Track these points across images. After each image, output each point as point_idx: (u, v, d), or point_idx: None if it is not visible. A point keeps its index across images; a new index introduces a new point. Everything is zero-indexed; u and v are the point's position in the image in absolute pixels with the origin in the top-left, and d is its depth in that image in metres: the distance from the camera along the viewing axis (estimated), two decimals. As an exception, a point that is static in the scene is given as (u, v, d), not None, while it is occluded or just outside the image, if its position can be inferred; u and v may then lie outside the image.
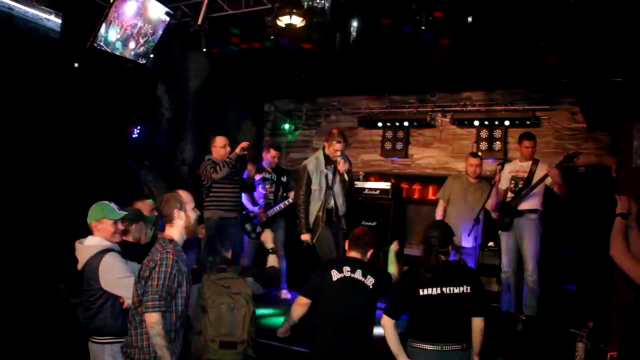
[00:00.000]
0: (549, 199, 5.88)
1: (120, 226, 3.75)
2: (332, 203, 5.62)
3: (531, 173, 5.85)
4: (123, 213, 3.75)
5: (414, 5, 5.49)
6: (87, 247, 3.61)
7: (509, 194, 6.02)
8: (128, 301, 3.38)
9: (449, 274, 3.52)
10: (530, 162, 5.95)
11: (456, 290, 3.44)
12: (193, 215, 3.45)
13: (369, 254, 3.98)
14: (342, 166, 5.53)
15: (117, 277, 3.47)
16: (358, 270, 3.78)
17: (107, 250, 3.55)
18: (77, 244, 3.66)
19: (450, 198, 6.38)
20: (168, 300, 3.12)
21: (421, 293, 3.44)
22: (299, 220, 5.61)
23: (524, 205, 5.82)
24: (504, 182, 6.12)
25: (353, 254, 3.95)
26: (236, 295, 3.50)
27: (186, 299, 3.31)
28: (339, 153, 5.53)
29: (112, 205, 3.74)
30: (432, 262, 3.52)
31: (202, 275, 3.64)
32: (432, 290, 3.44)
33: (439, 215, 6.39)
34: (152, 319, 3.04)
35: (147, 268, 3.12)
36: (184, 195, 3.44)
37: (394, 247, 4.48)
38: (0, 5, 5.62)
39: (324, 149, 5.68)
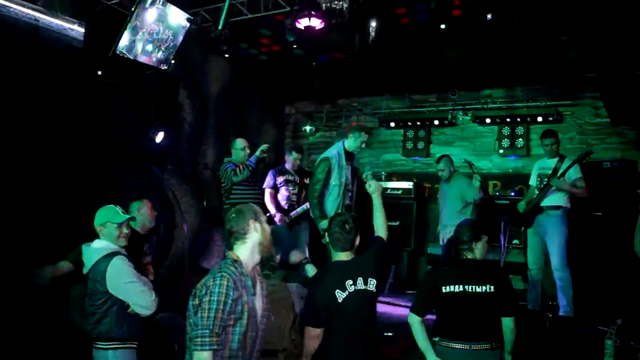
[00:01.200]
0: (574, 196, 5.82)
1: (125, 229, 3.65)
2: (348, 201, 5.61)
3: (555, 170, 5.80)
4: (127, 216, 3.67)
5: (432, 4, 5.49)
6: (93, 249, 3.56)
7: (536, 192, 6.00)
8: (134, 307, 3.38)
9: (473, 272, 3.50)
10: (556, 159, 5.89)
11: (479, 289, 3.40)
12: (268, 229, 2.94)
13: (357, 241, 3.51)
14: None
15: (124, 282, 3.40)
16: (359, 278, 3.38)
17: (114, 254, 3.49)
18: (83, 247, 3.62)
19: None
20: (222, 335, 2.59)
21: (444, 290, 3.43)
22: (315, 211, 5.44)
23: (546, 202, 5.79)
24: (533, 180, 6.16)
25: (345, 256, 3.46)
26: (277, 302, 3.32)
27: (252, 336, 2.75)
28: (364, 145, 5.53)
29: (117, 208, 3.66)
30: (455, 259, 3.51)
31: None
32: (454, 288, 3.42)
33: None
34: (201, 357, 2.53)
35: (198, 294, 2.61)
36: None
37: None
38: (27, 17, 5.74)
39: (343, 143, 5.62)
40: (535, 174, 6.16)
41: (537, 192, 5.98)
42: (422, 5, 5.96)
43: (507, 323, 3.49)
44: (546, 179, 5.85)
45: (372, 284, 3.40)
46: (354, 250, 3.47)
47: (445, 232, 6.31)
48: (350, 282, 3.34)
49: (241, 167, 6.02)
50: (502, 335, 3.49)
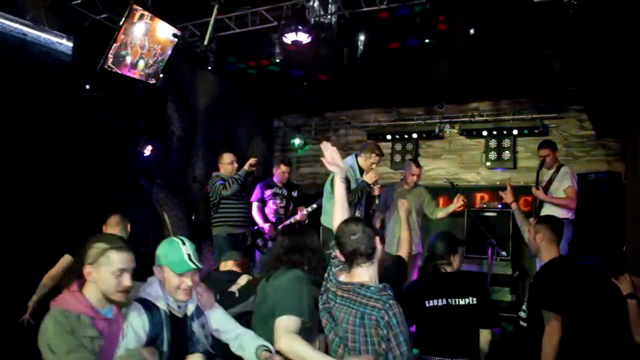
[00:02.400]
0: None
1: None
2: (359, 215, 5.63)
3: (550, 181, 5.85)
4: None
5: (417, 18, 5.56)
6: None
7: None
8: None
9: (454, 285, 3.51)
10: (552, 170, 5.96)
11: (462, 302, 3.42)
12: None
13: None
14: (377, 190, 5.56)
15: None
16: None
17: None
18: None
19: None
20: None
21: (427, 305, 3.43)
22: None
23: (553, 213, 5.74)
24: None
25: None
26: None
27: None
28: (374, 167, 5.59)
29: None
30: (435, 273, 3.52)
31: None
32: (437, 302, 3.42)
33: None
34: None
35: (382, 322, 2.46)
36: None
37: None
38: (15, 31, 5.77)
39: (356, 157, 5.74)
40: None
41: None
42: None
43: (485, 334, 3.50)
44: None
45: None
46: None
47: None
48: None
49: (230, 181, 6.05)
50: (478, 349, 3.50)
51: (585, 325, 3.29)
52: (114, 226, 4.73)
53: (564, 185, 5.79)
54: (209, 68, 6.37)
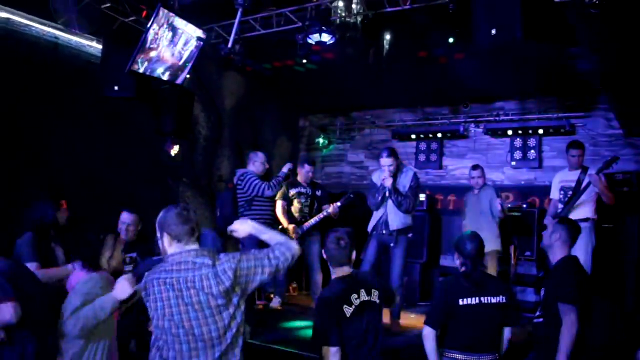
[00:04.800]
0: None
1: None
2: (384, 216, 5.73)
3: (579, 182, 5.78)
4: None
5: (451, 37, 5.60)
6: None
7: (560, 205, 5.98)
8: None
9: (486, 284, 3.56)
10: (579, 171, 5.88)
11: (494, 300, 3.48)
12: None
13: (354, 255, 3.53)
14: (387, 181, 5.63)
15: None
16: (362, 290, 3.41)
17: None
18: None
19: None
20: None
21: (461, 303, 3.47)
22: None
23: (574, 215, 5.62)
24: (554, 193, 6.14)
25: (342, 272, 3.47)
26: None
27: None
28: (385, 169, 5.65)
29: None
30: (467, 272, 3.56)
31: None
32: (471, 300, 3.47)
33: None
34: None
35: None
36: None
37: None
38: (48, 35, 5.97)
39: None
40: (557, 187, 6.12)
41: (561, 205, 5.94)
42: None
43: (507, 333, 3.57)
44: (570, 192, 5.82)
45: (375, 295, 3.45)
46: (351, 265, 3.49)
47: None
48: (355, 295, 3.36)
49: (274, 182, 6.23)
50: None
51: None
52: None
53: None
54: (238, 69, 6.46)
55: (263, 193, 6.20)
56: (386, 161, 5.65)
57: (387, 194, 5.68)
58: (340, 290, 3.37)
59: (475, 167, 6.73)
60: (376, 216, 5.84)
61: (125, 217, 4.73)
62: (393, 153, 5.71)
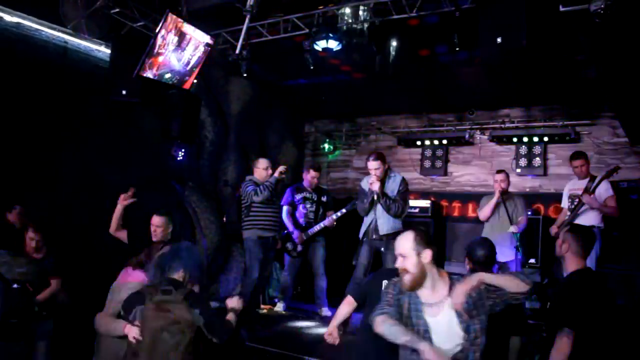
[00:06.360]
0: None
1: None
2: (374, 221, 5.71)
3: (586, 190, 5.82)
4: None
5: (455, 38, 5.61)
6: None
7: (568, 213, 6.04)
8: None
9: None
10: (587, 180, 5.93)
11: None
12: None
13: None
14: (374, 185, 5.60)
15: None
16: None
17: None
18: None
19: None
20: None
21: None
22: None
23: (579, 221, 5.70)
24: (564, 201, 6.21)
25: None
26: (174, 322, 3.22)
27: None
28: (372, 172, 5.63)
29: None
30: None
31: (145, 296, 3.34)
32: None
33: None
34: None
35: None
36: None
37: None
38: (57, 39, 6.03)
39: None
40: (566, 195, 6.20)
41: (569, 213, 6.00)
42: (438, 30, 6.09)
43: (515, 341, 3.54)
44: (577, 200, 5.87)
45: None
46: None
47: None
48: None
49: (262, 187, 6.16)
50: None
51: (600, 342, 3.21)
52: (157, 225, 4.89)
53: (608, 193, 5.83)
54: (245, 75, 6.49)
55: (251, 198, 6.21)
56: (372, 164, 5.62)
57: (375, 198, 5.65)
58: (388, 272, 3.60)
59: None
60: (366, 222, 5.80)
61: (156, 220, 4.85)
62: (380, 156, 5.68)
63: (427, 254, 2.84)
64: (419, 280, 2.84)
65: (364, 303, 3.79)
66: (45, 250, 4.81)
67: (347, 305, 3.90)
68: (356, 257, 5.80)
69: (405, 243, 2.88)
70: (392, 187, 5.74)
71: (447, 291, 2.84)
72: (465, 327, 2.76)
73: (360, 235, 5.86)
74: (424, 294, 2.88)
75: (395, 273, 3.07)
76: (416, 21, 5.95)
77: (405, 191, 5.82)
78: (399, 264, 2.89)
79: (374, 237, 5.70)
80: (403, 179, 5.83)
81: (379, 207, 5.68)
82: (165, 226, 4.84)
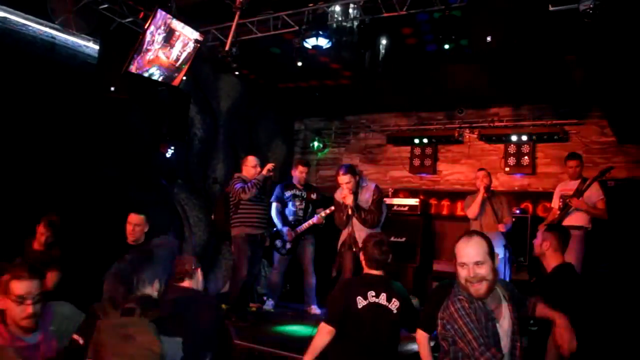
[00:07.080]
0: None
1: None
2: (353, 233, 5.64)
3: (577, 191, 5.91)
4: None
5: (447, 43, 5.61)
6: None
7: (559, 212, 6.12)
8: None
9: None
10: (578, 181, 6.03)
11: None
12: None
13: (390, 260, 3.71)
14: (347, 199, 5.58)
15: None
16: (382, 293, 3.55)
17: None
18: None
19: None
20: None
21: None
22: None
23: (567, 221, 5.84)
24: (555, 201, 6.27)
25: (373, 271, 3.68)
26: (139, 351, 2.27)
27: None
28: (343, 186, 5.61)
29: None
30: None
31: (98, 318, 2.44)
32: None
33: None
34: None
35: None
36: None
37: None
38: (44, 35, 5.96)
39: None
40: (557, 195, 6.27)
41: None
42: (428, 25, 6.09)
43: None
44: (568, 200, 5.96)
45: (394, 305, 3.51)
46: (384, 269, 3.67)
47: None
48: (373, 293, 3.50)
49: (249, 185, 6.12)
50: None
51: (586, 329, 3.30)
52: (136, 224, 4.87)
53: (599, 196, 5.89)
54: (235, 73, 6.45)
55: (239, 196, 6.19)
56: (343, 178, 5.58)
57: (350, 213, 5.60)
58: (363, 283, 3.63)
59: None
60: (344, 233, 5.75)
61: (134, 218, 4.83)
62: (350, 170, 5.62)
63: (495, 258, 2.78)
64: (493, 286, 2.71)
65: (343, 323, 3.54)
66: (52, 247, 4.89)
67: (327, 335, 3.52)
68: (337, 268, 5.76)
69: (480, 249, 2.72)
70: (366, 197, 5.71)
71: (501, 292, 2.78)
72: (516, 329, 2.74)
73: (339, 247, 5.82)
74: (488, 299, 2.75)
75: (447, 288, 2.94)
76: (410, 33, 5.94)
77: (379, 199, 5.77)
78: (472, 271, 2.69)
79: (353, 249, 5.61)
80: (376, 187, 5.82)
81: (355, 220, 5.65)
82: (143, 225, 4.82)
